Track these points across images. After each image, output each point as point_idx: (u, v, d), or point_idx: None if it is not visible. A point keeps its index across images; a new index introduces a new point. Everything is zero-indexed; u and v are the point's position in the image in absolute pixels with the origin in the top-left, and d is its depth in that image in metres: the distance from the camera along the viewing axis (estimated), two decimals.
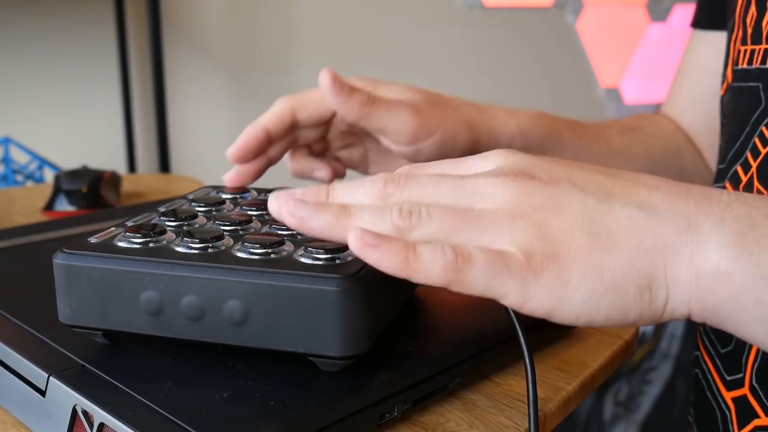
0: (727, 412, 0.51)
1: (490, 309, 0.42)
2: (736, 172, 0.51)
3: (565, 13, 2.12)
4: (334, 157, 0.58)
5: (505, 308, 0.36)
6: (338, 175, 0.57)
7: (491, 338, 0.41)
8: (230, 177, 0.51)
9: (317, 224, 0.32)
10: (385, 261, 0.30)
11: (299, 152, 0.56)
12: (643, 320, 0.31)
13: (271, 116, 0.52)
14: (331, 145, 0.57)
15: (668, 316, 0.31)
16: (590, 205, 0.31)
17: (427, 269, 0.30)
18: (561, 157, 0.54)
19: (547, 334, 0.46)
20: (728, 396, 0.51)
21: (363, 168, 0.58)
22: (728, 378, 0.51)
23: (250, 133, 0.51)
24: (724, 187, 0.51)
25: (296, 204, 0.33)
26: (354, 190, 0.34)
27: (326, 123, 0.54)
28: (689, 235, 0.31)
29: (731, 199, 0.32)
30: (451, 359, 0.39)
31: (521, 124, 0.55)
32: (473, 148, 0.53)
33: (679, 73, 0.68)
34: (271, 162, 0.53)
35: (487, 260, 0.30)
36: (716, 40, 0.62)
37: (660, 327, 1.92)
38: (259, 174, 0.52)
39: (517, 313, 0.36)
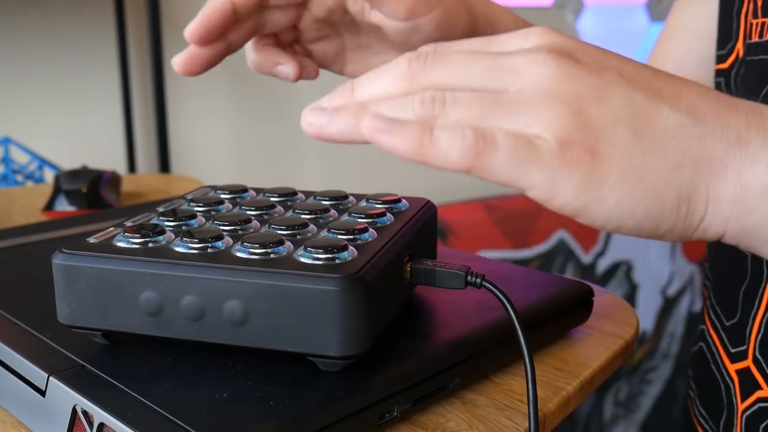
0: (731, 384, 0.50)
1: (490, 309, 0.42)
2: None
3: (565, 13, 2.12)
4: (305, 52, 0.50)
5: (506, 308, 0.36)
6: (307, 74, 0.49)
7: (491, 338, 0.41)
8: (181, 60, 0.44)
9: (336, 129, 0.30)
10: (399, 146, 0.28)
11: (263, 40, 0.48)
12: (675, 233, 0.29)
13: None
14: (302, 36, 0.49)
15: (700, 233, 0.30)
16: (637, 101, 0.29)
17: (444, 153, 0.27)
18: None
19: (547, 334, 0.46)
20: (732, 368, 0.50)
21: (338, 66, 0.51)
22: (732, 350, 0.50)
23: (214, 6, 0.43)
24: None
25: (313, 112, 0.30)
26: (378, 76, 0.31)
27: (301, 5, 0.47)
28: (739, 149, 0.29)
29: None
30: (451, 359, 0.39)
31: (518, 21, 0.52)
32: (471, 33, 0.48)
33: (664, 36, 0.67)
34: (231, 49, 0.46)
35: (514, 145, 0.27)
36: (705, 7, 0.61)
37: (660, 327, 1.92)
38: (213, 62, 0.45)
39: (517, 313, 0.36)
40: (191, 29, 0.43)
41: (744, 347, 0.49)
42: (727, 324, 0.52)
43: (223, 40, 0.44)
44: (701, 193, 0.29)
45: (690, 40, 0.63)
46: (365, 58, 0.51)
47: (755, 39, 0.50)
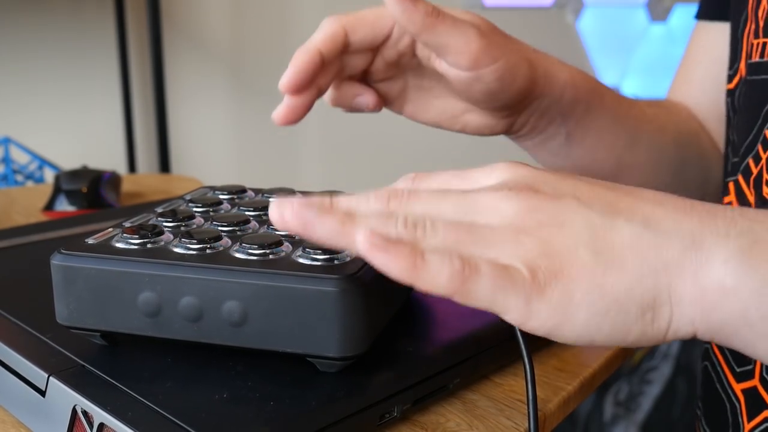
0: (737, 404, 0.51)
1: None
2: (747, 164, 0.51)
3: (565, 12, 2.12)
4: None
5: None
6: (378, 106, 0.51)
7: (491, 338, 0.41)
8: (282, 114, 0.45)
9: (321, 229, 0.31)
10: (393, 265, 0.29)
11: (341, 79, 0.50)
12: (646, 340, 0.31)
13: (323, 37, 0.45)
14: (370, 77, 0.51)
15: (672, 335, 0.31)
16: (594, 221, 0.31)
17: (434, 277, 0.29)
18: (601, 116, 0.53)
19: None
20: (738, 388, 0.50)
21: (398, 106, 0.53)
22: (738, 370, 0.50)
23: (304, 58, 0.44)
24: (737, 181, 0.51)
25: (300, 207, 0.32)
26: (357, 202, 0.33)
27: (375, 49, 0.49)
28: (693, 251, 0.30)
29: (735, 214, 0.32)
30: (451, 359, 0.39)
31: (573, 75, 0.52)
32: (530, 87, 0.49)
33: (685, 63, 0.68)
34: (320, 93, 0.47)
35: (493, 273, 0.30)
36: (722, 30, 0.62)
37: None
38: (309, 107, 0.47)
39: None
40: (285, 81, 0.44)
41: (750, 366, 0.49)
42: None
43: (314, 85, 0.46)
44: (664, 298, 0.30)
45: (710, 66, 0.64)
46: (425, 101, 0.52)
47: (756, 59, 0.51)
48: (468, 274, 0.29)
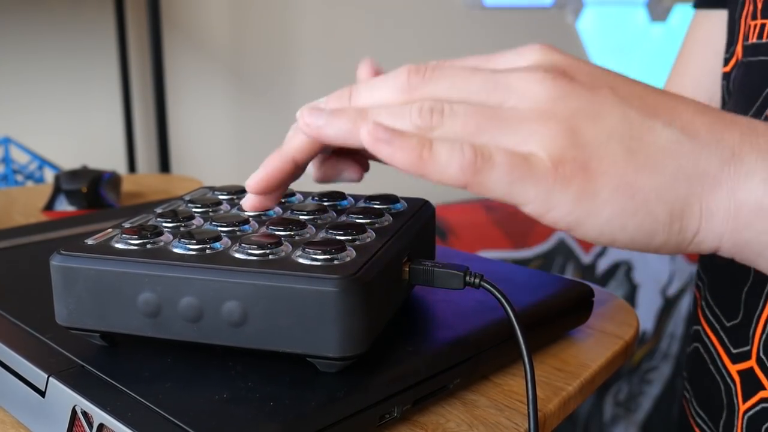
0: (732, 385, 0.50)
1: (490, 309, 0.42)
2: None
3: (565, 13, 2.12)
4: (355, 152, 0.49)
5: (504, 308, 0.36)
6: (365, 170, 0.49)
7: (491, 338, 0.41)
8: (249, 205, 0.42)
9: (333, 131, 0.30)
10: (398, 157, 0.28)
11: (322, 158, 0.48)
12: (668, 248, 0.30)
13: (299, 146, 0.41)
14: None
15: (695, 247, 0.30)
16: (632, 118, 0.29)
17: (443, 168, 0.28)
18: None
19: (546, 334, 0.46)
20: (734, 369, 0.50)
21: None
22: (734, 351, 0.50)
23: (275, 166, 0.41)
24: None
25: (311, 113, 0.31)
26: (377, 84, 0.32)
27: None
28: (733, 165, 0.29)
29: None
30: (451, 359, 0.39)
31: None
32: None
33: (682, 54, 0.68)
34: (294, 180, 0.45)
35: (509, 163, 0.28)
36: (720, 18, 0.62)
37: (660, 327, 1.92)
38: (278, 200, 0.44)
39: (515, 313, 0.36)
40: (253, 184, 0.41)
41: (747, 347, 0.49)
42: (728, 324, 0.52)
43: (284, 184, 0.43)
44: (694, 209, 0.29)
45: (708, 56, 0.63)
46: None
47: (753, 40, 0.50)
48: (481, 164, 0.28)
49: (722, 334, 0.52)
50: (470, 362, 0.40)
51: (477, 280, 0.37)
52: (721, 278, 0.54)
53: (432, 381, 0.38)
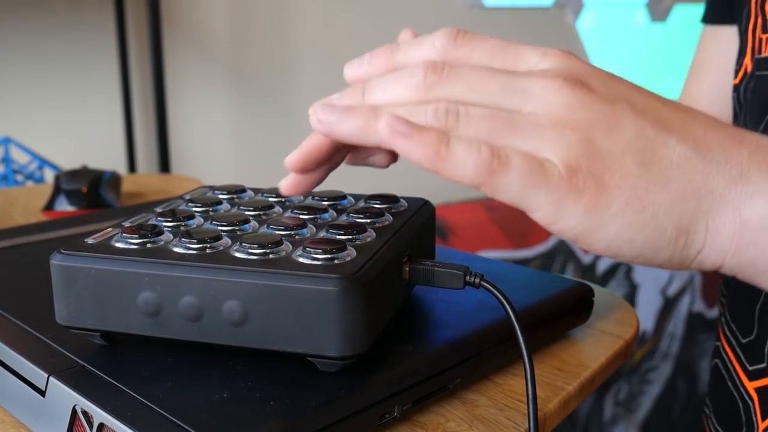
0: (750, 403, 0.50)
1: (490, 309, 0.42)
2: None
3: (565, 13, 2.12)
4: None
5: (504, 307, 0.36)
6: (390, 163, 0.48)
7: (491, 338, 0.41)
8: (286, 185, 0.41)
9: (346, 128, 0.30)
10: (415, 151, 0.28)
11: None
12: (673, 263, 0.30)
13: None
14: None
15: (698, 264, 0.30)
16: (647, 133, 0.30)
17: (459, 166, 0.28)
18: None
19: (546, 334, 0.46)
20: (751, 386, 0.50)
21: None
22: (751, 368, 0.50)
23: (312, 142, 0.40)
24: None
25: (324, 109, 0.31)
26: (392, 81, 0.32)
27: None
28: (740, 184, 0.29)
29: None
30: (451, 359, 0.39)
31: None
32: None
33: (694, 69, 0.68)
34: (334, 167, 0.44)
35: (524, 167, 0.28)
36: (729, 34, 0.62)
37: (660, 327, 1.92)
38: (319, 182, 0.43)
39: (515, 313, 0.36)
40: (291, 160, 0.40)
41: (763, 365, 0.49)
42: (744, 341, 0.51)
43: (326, 163, 0.42)
44: (700, 225, 0.29)
45: (719, 73, 0.64)
46: None
47: (765, 53, 0.50)
48: (496, 166, 0.28)
49: (738, 350, 0.52)
50: (470, 362, 0.40)
51: (477, 280, 0.37)
52: (740, 294, 0.54)
53: (432, 381, 0.38)
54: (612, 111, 0.30)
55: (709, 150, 0.30)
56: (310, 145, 0.40)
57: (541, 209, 0.29)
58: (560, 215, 0.29)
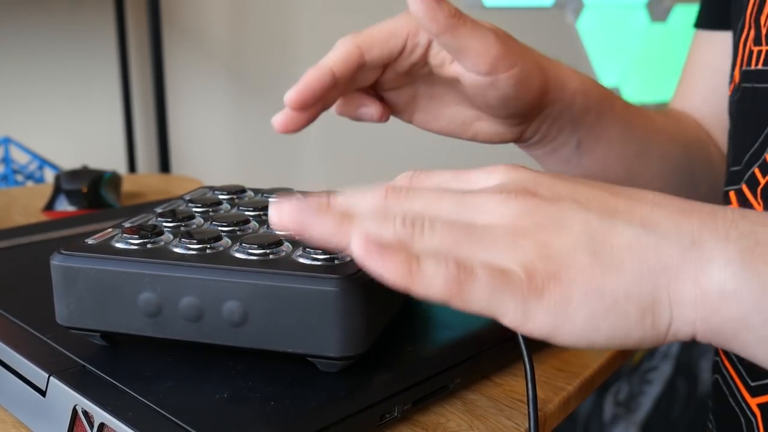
0: (752, 419, 0.50)
1: None
2: (753, 174, 0.50)
3: (565, 13, 2.12)
4: (378, 98, 0.51)
5: None
6: (384, 116, 0.51)
7: (491, 338, 0.41)
8: (281, 122, 0.44)
9: (319, 230, 0.31)
10: (388, 272, 0.29)
11: (349, 90, 0.49)
12: (646, 342, 0.31)
13: (338, 57, 0.44)
14: (379, 86, 0.51)
15: (672, 337, 0.31)
16: (592, 223, 0.31)
17: (429, 282, 0.29)
18: (612, 125, 0.53)
19: None
20: (753, 402, 0.50)
21: (408, 115, 0.52)
22: (752, 384, 0.50)
23: (314, 76, 0.43)
24: (740, 190, 0.51)
25: (297, 209, 0.32)
26: (355, 200, 0.33)
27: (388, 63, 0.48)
28: (693, 252, 0.30)
29: (736, 216, 0.31)
30: (451, 359, 0.39)
31: (584, 82, 0.52)
32: (543, 94, 0.49)
33: (686, 72, 0.68)
34: (326, 107, 0.47)
35: (489, 276, 0.29)
36: (722, 39, 0.62)
37: None
38: (312, 120, 0.46)
39: None
40: (291, 97, 0.43)
41: (765, 381, 0.49)
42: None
43: (320, 102, 0.45)
44: (663, 300, 0.30)
45: (711, 77, 0.64)
46: (435, 109, 0.52)
47: (758, 66, 0.50)
48: (464, 278, 0.29)
49: (739, 366, 0.52)
50: (470, 362, 0.40)
51: None
52: None
53: (432, 381, 0.38)
54: (557, 211, 0.31)
55: (658, 226, 0.31)
56: (310, 79, 0.43)
57: (509, 314, 0.30)
58: (527, 317, 0.30)
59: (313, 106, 0.45)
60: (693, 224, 0.31)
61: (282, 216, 0.31)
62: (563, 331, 0.30)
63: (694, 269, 0.30)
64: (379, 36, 0.46)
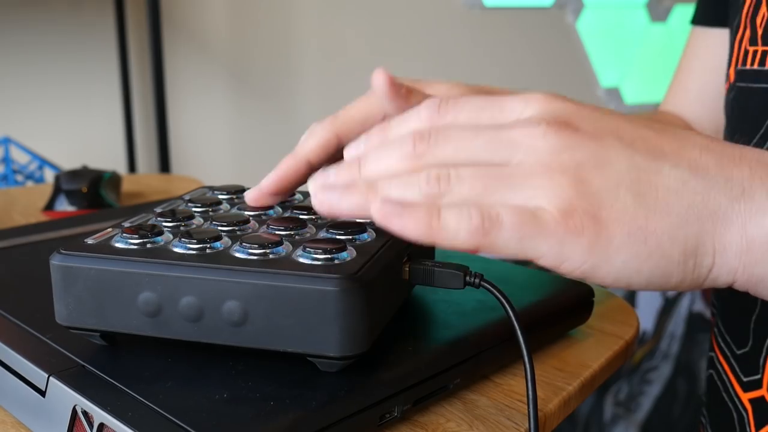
0: (744, 414, 0.50)
1: (490, 309, 0.42)
2: None
3: (565, 13, 2.12)
4: None
5: (505, 307, 0.36)
6: None
7: (491, 338, 0.41)
8: (253, 198, 0.43)
9: (347, 206, 0.31)
10: (409, 229, 0.29)
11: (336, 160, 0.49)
12: (685, 286, 0.30)
13: (314, 146, 0.43)
14: None
15: (710, 282, 0.30)
16: (638, 163, 0.30)
17: (453, 235, 0.29)
18: None
19: (547, 334, 0.46)
20: (745, 397, 0.50)
21: None
22: (745, 379, 0.50)
23: (290, 166, 0.43)
24: None
25: (324, 191, 0.32)
26: (384, 154, 0.33)
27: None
28: (743, 202, 0.29)
29: None
30: (451, 359, 0.39)
31: None
32: None
33: (680, 70, 0.68)
34: (299, 185, 0.46)
35: (517, 222, 0.28)
36: (718, 37, 0.62)
37: (660, 327, 1.92)
38: (283, 200, 0.46)
39: (516, 313, 0.36)
40: (266, 184, 0.43)
41: (758, 376, 0.49)
42: (738, 352, 0.51)
43: (295, 186, 0.45)
44: (707, 246, 0.29)
45: (707, 74, 0.63)
46: None
47: (754, 66, 0.50)
48: (489, 227, 0.28)
49: (733, 362, 0.52)
50: (470, 362, 0.40)
51: (477, 280, 0.37)
52: (731, 306, 0.54)
53: (432, 381, 0.38)
54: (600, 147, 0.30)
55: (707, 170, 0.30)
56: (287, 169, 0.43)
57: (544, 256, 0.29)
58: (563, 257, 0.29)
59: (290, 191, 0.44)
60: (744, 172, 0.30)
61: (315, 199, 0.32)
62: (603, 271, 0.29)
63: (743, 218, 0.29)
64: (357, 119, 0.45)
